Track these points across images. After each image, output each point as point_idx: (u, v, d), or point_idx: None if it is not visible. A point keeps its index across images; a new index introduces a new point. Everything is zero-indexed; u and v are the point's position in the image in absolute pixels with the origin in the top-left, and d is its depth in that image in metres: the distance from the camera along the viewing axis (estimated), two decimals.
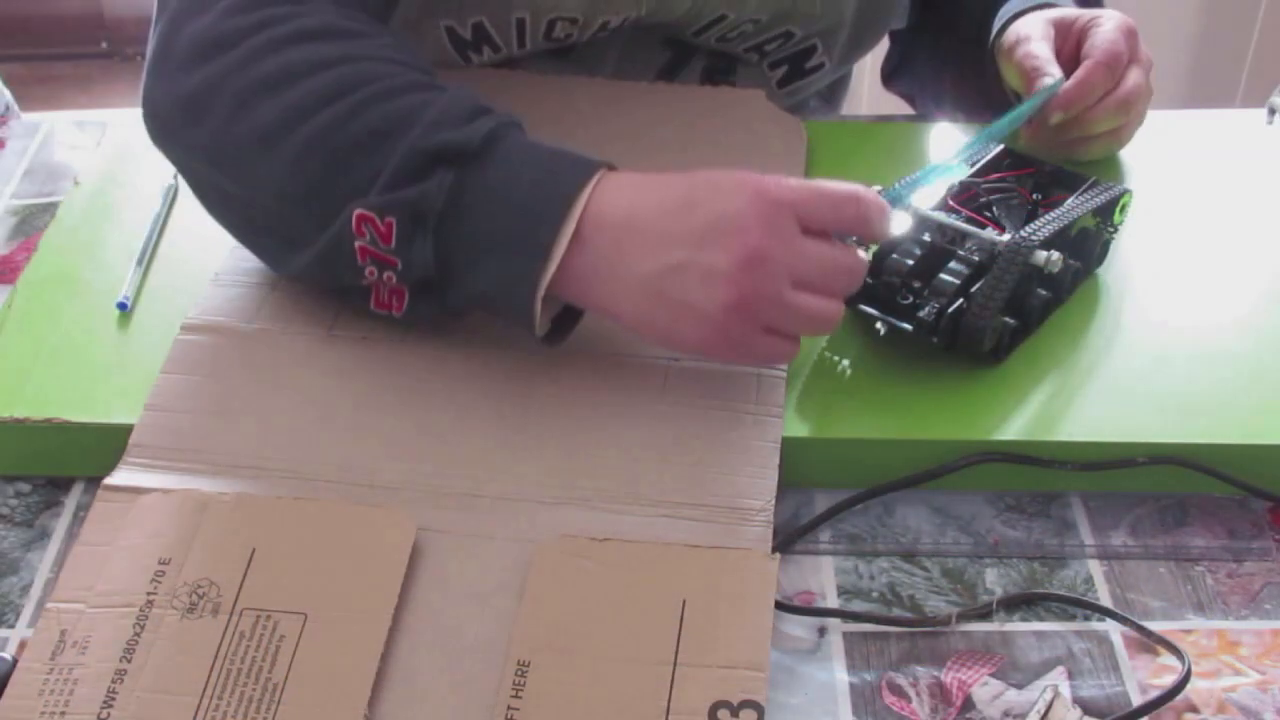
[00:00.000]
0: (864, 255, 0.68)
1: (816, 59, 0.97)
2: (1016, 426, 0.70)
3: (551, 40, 0.90)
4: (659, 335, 0.67)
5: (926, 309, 0.71)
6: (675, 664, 0.59)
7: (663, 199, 0.65)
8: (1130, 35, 0.86)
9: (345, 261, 0.67)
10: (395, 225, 0.65)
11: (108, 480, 0.67)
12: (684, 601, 0.61)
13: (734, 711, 0.57)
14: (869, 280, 0.74)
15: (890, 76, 1.11)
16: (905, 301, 0.72)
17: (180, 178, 0.77)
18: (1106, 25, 0.86)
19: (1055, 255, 0.71)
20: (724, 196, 0.64)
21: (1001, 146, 0.81)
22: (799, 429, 0.70)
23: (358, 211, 0.65)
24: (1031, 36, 0.86)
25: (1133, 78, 0.85)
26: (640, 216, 0.65)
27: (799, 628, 0.64)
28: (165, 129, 0.72)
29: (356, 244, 0.66)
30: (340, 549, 0.63)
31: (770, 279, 0.63)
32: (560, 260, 0.64)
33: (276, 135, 0.66)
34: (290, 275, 0.73)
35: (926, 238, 0.74)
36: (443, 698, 0.59)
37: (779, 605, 0.63)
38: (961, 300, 0.71)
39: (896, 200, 0.72)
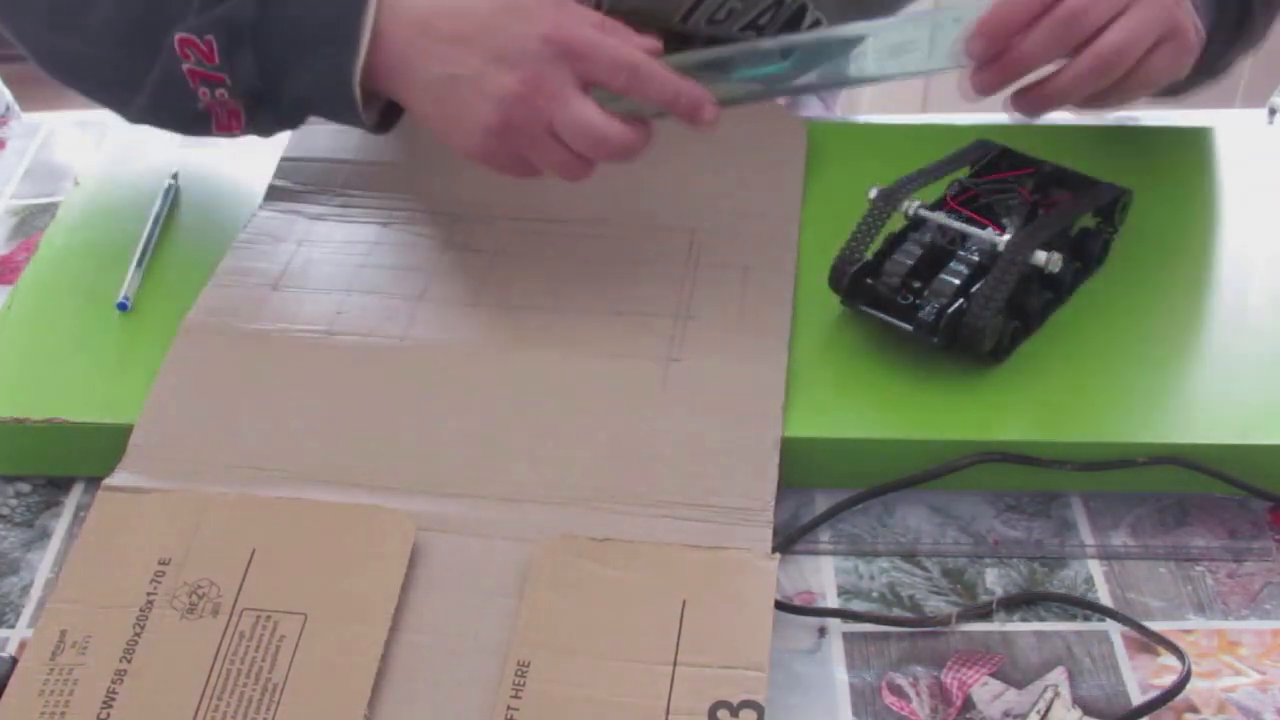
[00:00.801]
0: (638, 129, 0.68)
1: (810, 17, 0.94)
2: (1016, 426, 0.70)
3: None
4: (440, 137, 0.71)
5: (927, 309, 0.71)
6: (675, 664, 0.59)
7: (462, 6, 0.68)
8: None
9: (179, 89, 0.71)
10: (215, 42, 0.69)
11: (108, 480, 0.67)
12: (684, 602, 0.61)
13: (734, 712, 0.57)
14: (869, 280, 0.74)
15: None
16: (905, 302, 0.73)
17: (171, 181, 0.81)
18: None
19: (1056, 255, 0.71)
20: (520, 23, 0.67)
21: (1002, 147, 0.81)
22: (799, 429, 0.70)
23: (179, 36, 0.69)
24: None
25: (1124, 23, 0.68)
26: (436, 19, 0.68)
27: (799, 628, 0.64)
28: (2, 4, 0.75)
29: (184, 68, 0.70)
30: (340, 549, 0.63)
31: (529, 119, 0.68)
32: (365, 53, 0.68)
33: None
34: (143, 121, 0.76)
35: (927, 238, 0.74)
36: (443, 698, 0.59)
37: (779, 605, 0.63)
38: (962, 300, 0.71)
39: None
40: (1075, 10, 0.68)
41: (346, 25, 0.68)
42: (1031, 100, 0.72)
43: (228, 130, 0.74)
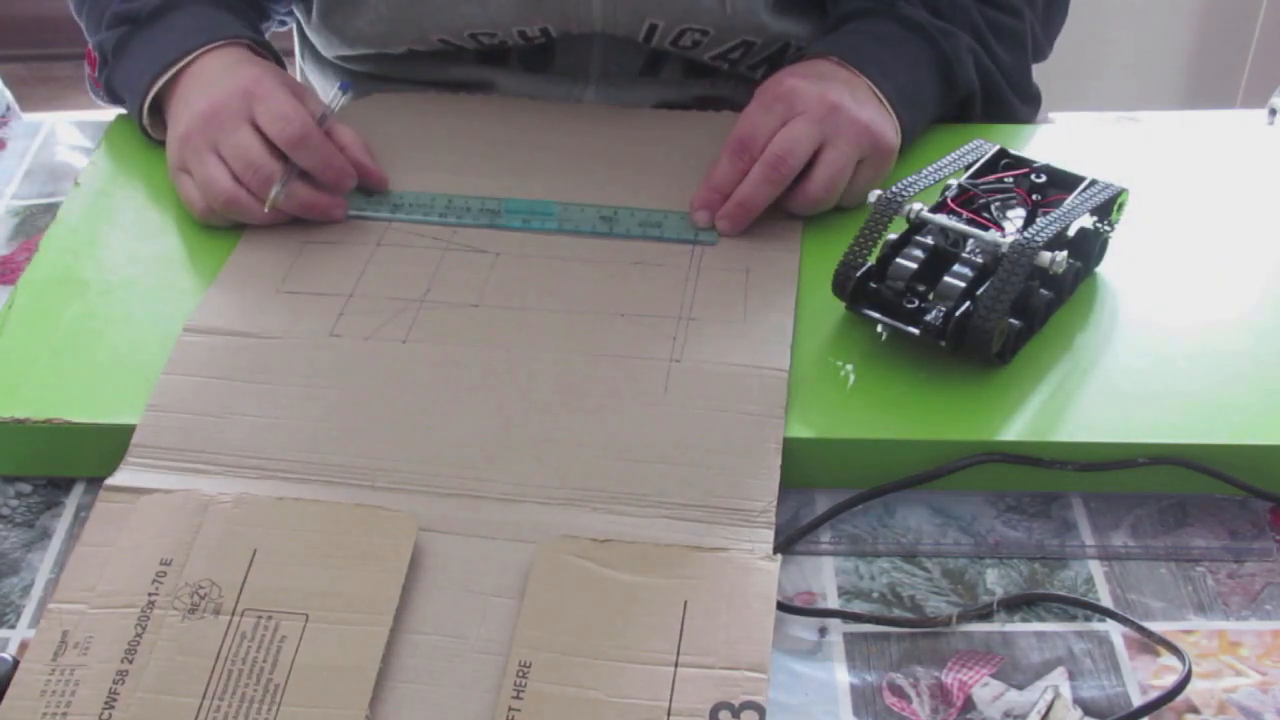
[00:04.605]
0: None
1: (792, 55, 0.96)
2: (1017, 427, 0.70)
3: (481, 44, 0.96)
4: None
5: (933, 313, 0.71)
6: (676, 665, 0.59)
7: (208, 77, 0.85)
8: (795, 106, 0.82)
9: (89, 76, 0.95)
10: (97, 61, 0.93)
11: (109, 480, 0.67)
12: (685, 603, 0.61)
13: (735, 713, 0.57)
14: (872, 285, 0.74)
15: None
16: (910, 306, 0.73)
17: None
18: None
19: (1060, 256, 0.71)
20: (234, 81, 0.83)
21: (998, 148, 0.81)
22: (799, 430, 0.70)
23: (88, 47, 0.94)
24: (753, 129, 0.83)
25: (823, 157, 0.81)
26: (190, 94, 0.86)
27: (800, 628, 0.64)
28: None
29: (89, 70, 0.94)
30: (341, 549, 0.63)
31: (203, 133, 0.82)
32: (146, 107, 0.87)
33: None
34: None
35: (929, 241, 0.74)
36: (444, 698, 0.59)
37: (780, 606, 0.63)
38: (968, 303, 0.71)
39: None
40: (780, 153, 0.81)
41: (145, 84, 0.87)
42: (728, 215, 0.82)
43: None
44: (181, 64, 0.86)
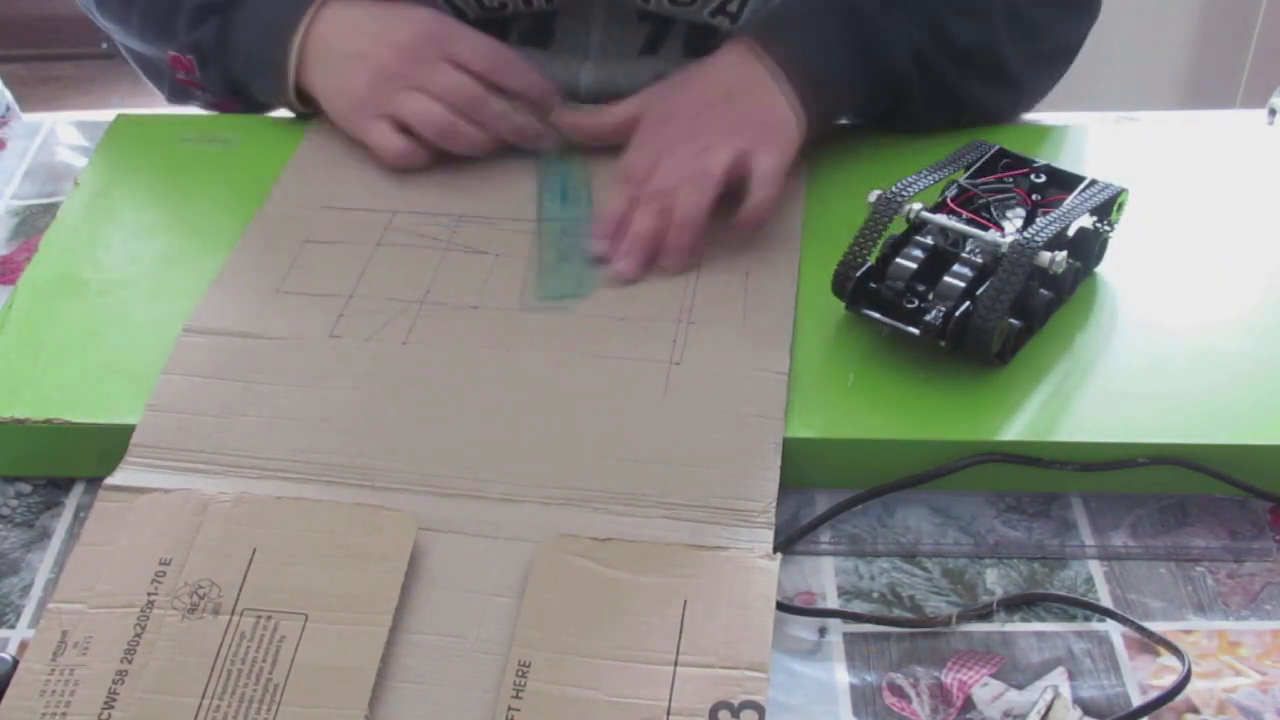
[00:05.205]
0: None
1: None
2: (1016, 427, 0.70)
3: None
4: (327, 105, 0.89)
5: (933, 313, 0.71)
6: (676, 664, 0.59)
7: (362, 25, 0.86)
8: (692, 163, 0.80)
9: (171, 83, 0.94)
10: (195, 62, 0.90)
11: (108, 480, 0.67)
12: (685, 602, 0.61)
13: (735, 712, 0.57)
14: (872, 285, 0.74)
15: None
16: (910, 306, 0.73)
17: None
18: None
19: (1060, 256, 0.71)
20: (405, 26, 0.86)
21: (997, 148, 0.81)
22: (799, 430, 0.70)
23: (170, 54, 0.91)
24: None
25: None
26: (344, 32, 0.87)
27: (799, 628, 0.64)
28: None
29: (178, 76, 0.92)
30: (341, 549, 0.63)
31: (396, 77, 0.84)
32: (294, 77, 0.87)
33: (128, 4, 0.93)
34: (175, 101, 0.98)
35: (929, 240, 0.74)
36: (443, 698, 0.59)
37: (780, 606, 0.63)
38: (968, 303, 0.71)
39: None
40: (656, 186, 0.80)
41: (279, 56, 0.87)
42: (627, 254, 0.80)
43: (224, 109, 0.95)
44: (309, 17, 0.86)
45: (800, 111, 0.84)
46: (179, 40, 0.90)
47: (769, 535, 0.65)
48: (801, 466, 0.69)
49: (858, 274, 0.74)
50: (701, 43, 0.97)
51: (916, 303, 0.73)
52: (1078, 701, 0.60)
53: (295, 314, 0.76)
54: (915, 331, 0.72)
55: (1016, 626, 0.64)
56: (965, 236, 0.74)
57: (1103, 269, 0.80)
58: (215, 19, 0.89)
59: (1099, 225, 0.79)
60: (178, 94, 0.96)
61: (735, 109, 0.83)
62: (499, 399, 0.71)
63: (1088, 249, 0.78)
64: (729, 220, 0.80)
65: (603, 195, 0.84)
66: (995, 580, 0.66)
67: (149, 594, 0.61)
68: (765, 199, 0.80)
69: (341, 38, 0.86)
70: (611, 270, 0.79)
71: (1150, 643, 0.63)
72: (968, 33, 0.88)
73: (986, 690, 0.61)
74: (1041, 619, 0.65)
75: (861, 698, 0.61)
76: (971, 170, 0.80)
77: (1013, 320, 0.72)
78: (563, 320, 0.76)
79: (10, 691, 0.58)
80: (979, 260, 0.73)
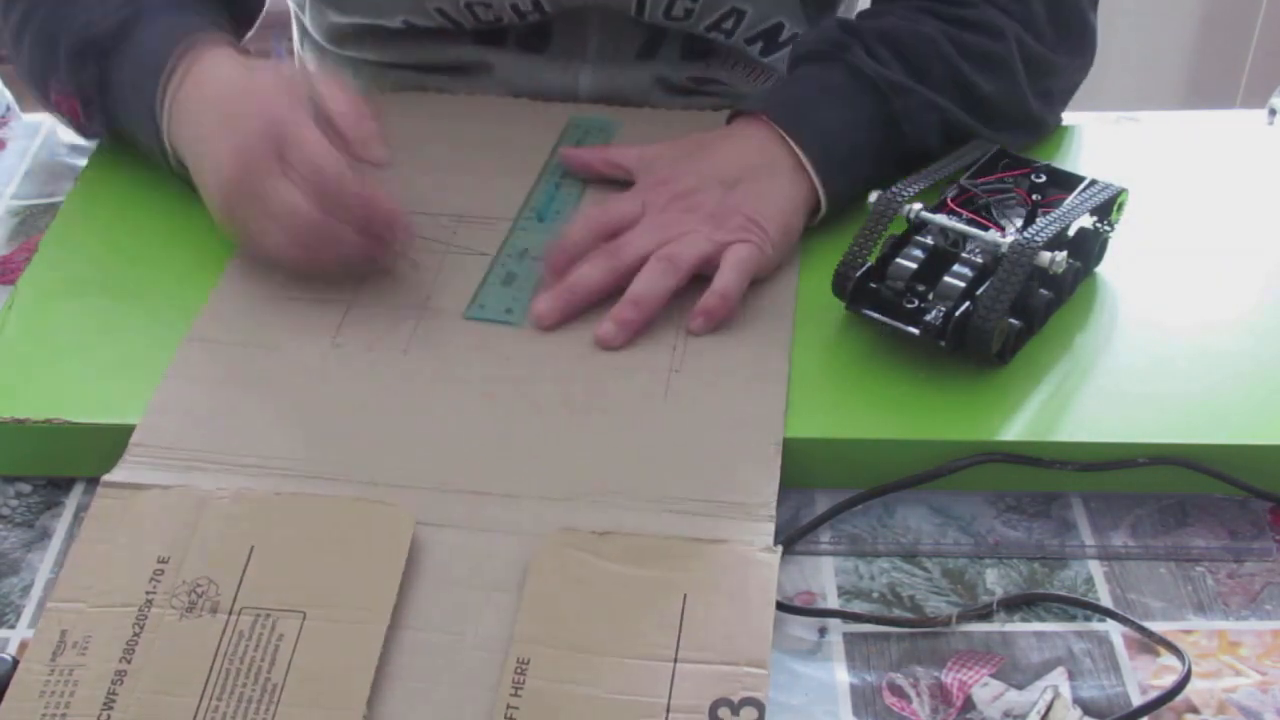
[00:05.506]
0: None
1: (787, 33, 0.96)
2: (1016, 427, 0.70)
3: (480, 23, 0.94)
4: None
5: (933, 313, 0.71)
6: (676, 660, 0.59)
7: (210, 107, 0.78)
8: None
9: (65, 119, 0.89)
10: (78, 105, 0.85)
11: (107, 477, 0.67)
12: (685, 597, 0.61)
13: (734, 709, 0.57)
14: (872, 285, 0.74)
15: None
16: (910, 306, 0.73)
17: None
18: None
19: (1060, 256, 0.71)
20: (250, 103, 0.75)
21: (997, 148, 0.81)
22: (799, 430, 0.70)
23: (54, 96, 0.86)
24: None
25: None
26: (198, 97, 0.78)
27: (799, 628, 0.64)
28: None
29: (63, 119, 0.88)
30: (339, 545, 0.63)
31: (251, 172, 0.74)
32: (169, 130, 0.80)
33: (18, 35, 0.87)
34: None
35: (929, 241, 0.74)
36: (443, 696, 0.59)
37: (780, 606, 0.63)
38: (968, 303, 0.71)
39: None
40: (621, 243, 0.77)
41: (157, 111, 0.80)
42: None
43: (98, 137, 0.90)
44: (174, 83, 0.78)
45: (822, 193, 0.81)
46: (54, 83, 0.84)
47: (770, 529, 0.65)
48: (801, 466, 0.69)
49: (858, 274, 0.74)
50: (700, 46, 0.97)
51: (916, 303, 0.73)
52: (1078, 701, 0.60)
53: (297, 321, 0.75)
54: (915, 331, 0.72)
55: (1016, 626, 0.64)
56: (965, 237, 0.74)
57: (1103, 269, 0.80)
58: (94, 64, 0.82)
59: (1099, 225, 0.79)
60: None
61: (734, 195, 0.79)
62: (499, 409, 0.71)
63: (1088, 249, 0.78)
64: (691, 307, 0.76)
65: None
66: (995, 580, 0.66)
67: (147, 592, 0.61)
68: (725, 286, 0.75)
69: (193, 118, 0.78)
70: (531, 313, 0.76)
71: (1150, 643, 0.63)
72: (988, 84, 0.84)
73: (986, 690, 0.61)
74: (1041, 619, 0.65)
75: (861, 698, 0.61)
76: (972, 170, 0.80)
77: (1013, 320, 0.72)
78: (562, 327, 0.75)
79: (10, 693, 0.58)
80: (979, 260, 0.73)
